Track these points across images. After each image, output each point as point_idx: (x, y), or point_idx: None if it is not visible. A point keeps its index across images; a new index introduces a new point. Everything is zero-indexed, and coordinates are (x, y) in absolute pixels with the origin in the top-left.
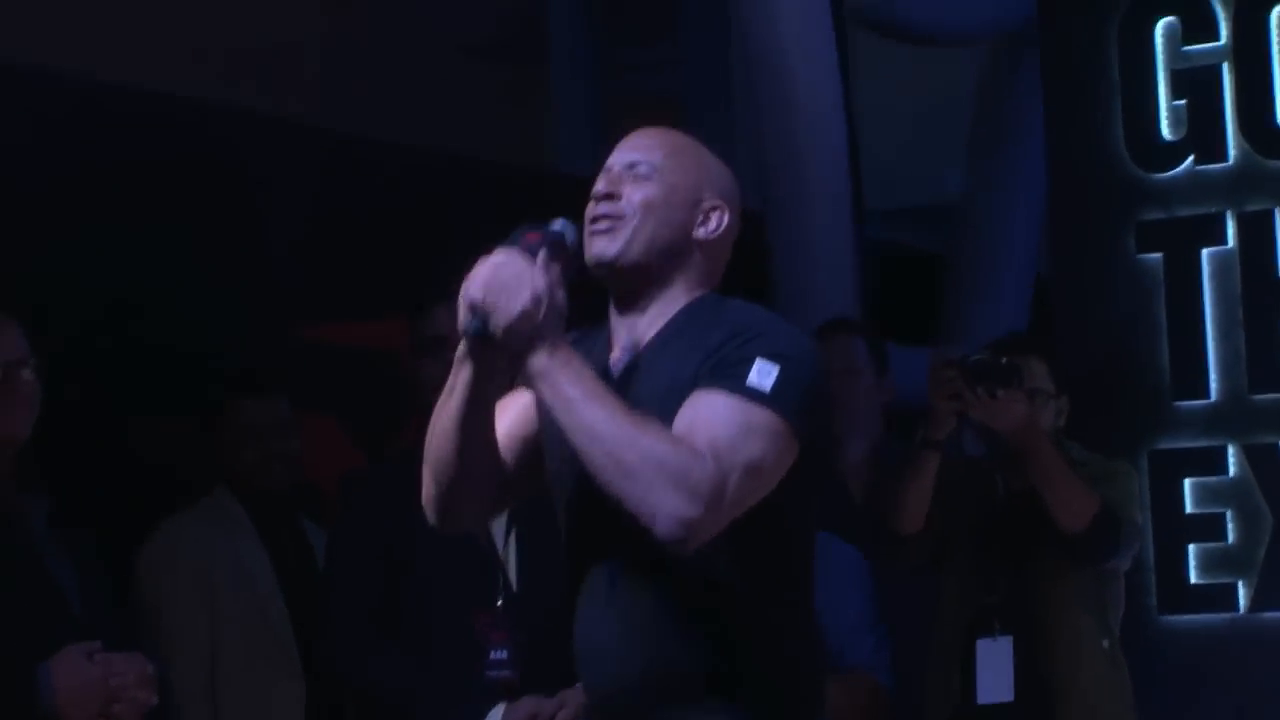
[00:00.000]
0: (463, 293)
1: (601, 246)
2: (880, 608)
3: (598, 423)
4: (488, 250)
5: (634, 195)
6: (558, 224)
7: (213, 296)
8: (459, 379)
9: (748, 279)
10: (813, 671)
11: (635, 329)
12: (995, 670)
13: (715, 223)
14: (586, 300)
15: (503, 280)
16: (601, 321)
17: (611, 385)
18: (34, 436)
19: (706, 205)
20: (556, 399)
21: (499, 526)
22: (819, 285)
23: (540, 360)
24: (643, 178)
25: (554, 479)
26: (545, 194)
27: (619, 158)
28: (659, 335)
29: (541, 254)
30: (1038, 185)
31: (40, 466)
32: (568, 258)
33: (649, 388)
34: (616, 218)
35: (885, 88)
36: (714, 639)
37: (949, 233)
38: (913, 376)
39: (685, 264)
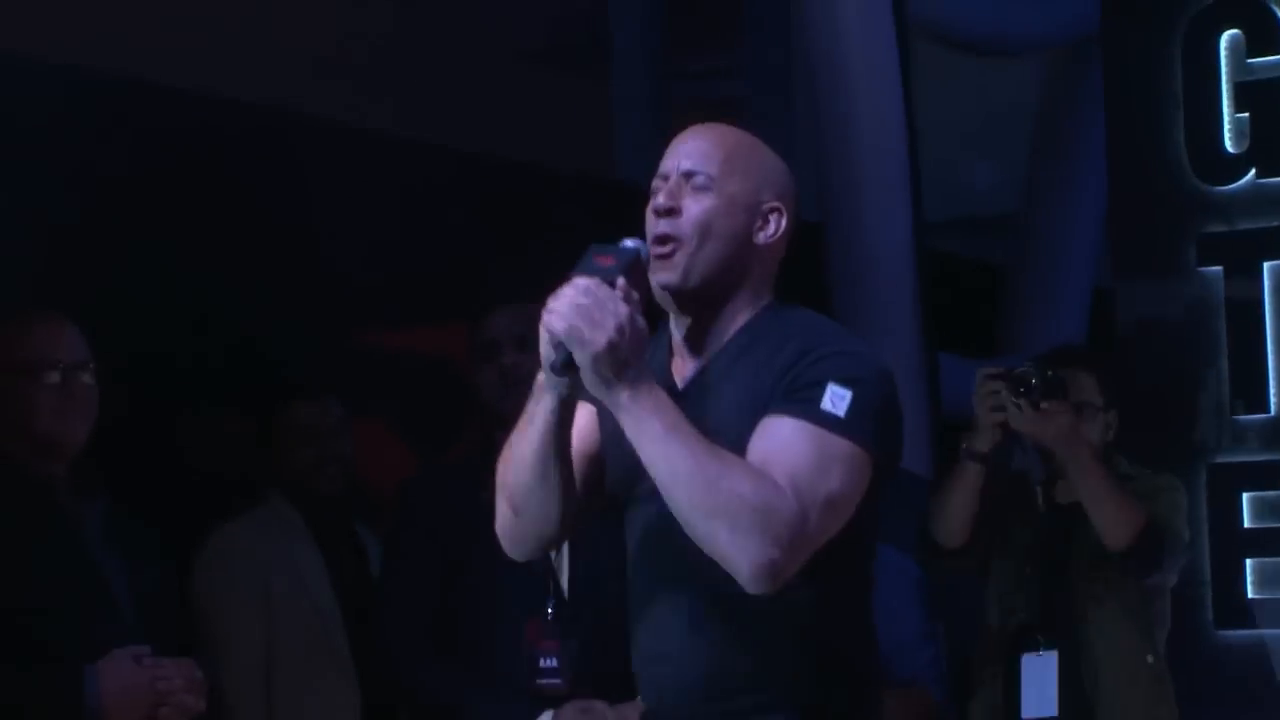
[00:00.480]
0: (544, 325)
1: (663, 275)
2: (935, 622)
3: (681, 461)
4: (564, 278)
5: (692, 210)
6: (630, 243)
7: (270, 302)
8: (539, 409)
9: (807, 291)
10: (874, 681)
11: (700, 341)
12: (1039, 685)
13: (774, 226)
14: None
15: (586, 311)
16: (658, 332)
17: (678, 399)
18: (92, 439)
19: (765, 208)
20: (640, 433)
21: None
22: (879, 298)
23: (623, 393)
24: (700, 189)
25: (618, 486)
26: (605, 200)
27: (675, 163)
28: (726, 349)
29: (620, 281)
30: (1098, 197)
31: (98, 468)
32: (643, 276)
33: (719, 404)
34: (676, 239)
35: (946, 97)
36: (782, 645)
37: (1009, 244)
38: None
39: (747, 270)
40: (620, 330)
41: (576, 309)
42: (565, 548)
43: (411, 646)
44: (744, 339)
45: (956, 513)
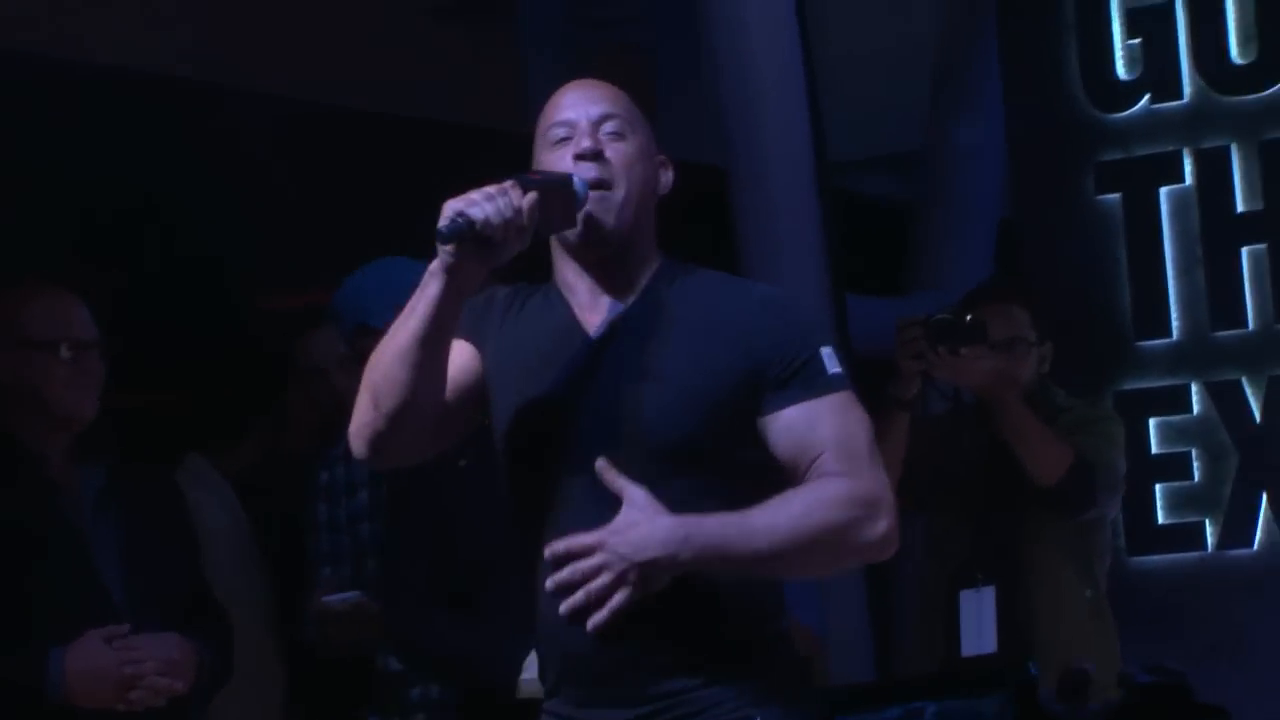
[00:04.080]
0: (444, 206)
1: (600, 217)
2: None
3: (784, 535)
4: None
5: (617, 156)
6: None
7: (176, 269)
8: (424, 296)
9: (713, 236)
10: (780, 613)
11: (610, 288)
12: (978, 621)
13: (666, 178)
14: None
15: (483, 191)
16: (535, 283)
17: (591, 345)
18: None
19: (659, 159)
20: (738, 561)
21: None
22: (783, 240)
23: (698, 555)
24: (616, 135)
25: (515, 437)
26: (518, 155)
27: (584, 111)
28: (647, 293)
29: (532, 195)
30: (1000, 129)
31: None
32: (566, 204)
33: (662, 344)
34: (606, 183)
35: (852, 36)
36: (722, 605)
37: (915, 180)
38: (882, 328)
39: (651, 218)
40: (517, 211)
41: (473, 193)
42: None
43: (411, 608)
44: (663, 285)
45: (886, 459)
